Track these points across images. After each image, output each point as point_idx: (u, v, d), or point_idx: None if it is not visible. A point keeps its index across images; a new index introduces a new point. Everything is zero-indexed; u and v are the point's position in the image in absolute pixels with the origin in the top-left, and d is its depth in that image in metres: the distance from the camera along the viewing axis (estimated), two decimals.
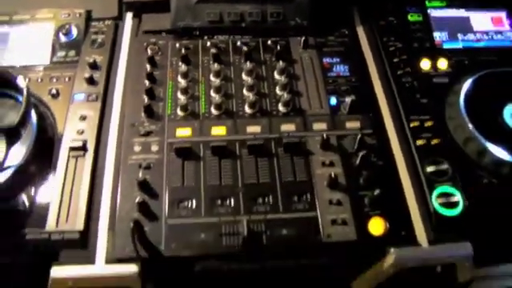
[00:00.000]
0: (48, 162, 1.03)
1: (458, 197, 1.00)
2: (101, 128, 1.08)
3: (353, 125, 1.08)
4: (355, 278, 1.05)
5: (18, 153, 1.01)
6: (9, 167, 0.99)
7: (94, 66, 1.16)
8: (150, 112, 1.08)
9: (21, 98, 1.00)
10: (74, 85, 1.14)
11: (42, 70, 1.17)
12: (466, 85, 1.11)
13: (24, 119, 0.99)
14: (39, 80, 1.15)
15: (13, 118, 0.99)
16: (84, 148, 1.04)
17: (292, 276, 1.03)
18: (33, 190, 1.00)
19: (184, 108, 1.08)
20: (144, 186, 0.97)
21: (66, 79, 1.15)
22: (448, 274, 1.01)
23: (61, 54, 1.21)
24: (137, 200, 0.95)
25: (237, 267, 0.97)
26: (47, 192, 1.00)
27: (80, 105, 1.11)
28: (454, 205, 1.00)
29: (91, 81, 1.14)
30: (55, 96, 1.12)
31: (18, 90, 1.03)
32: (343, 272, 1.03)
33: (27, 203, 0.99)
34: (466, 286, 1.05)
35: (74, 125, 1.08)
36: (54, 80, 1.15)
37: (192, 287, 1.04)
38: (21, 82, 1.02)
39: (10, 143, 0.99)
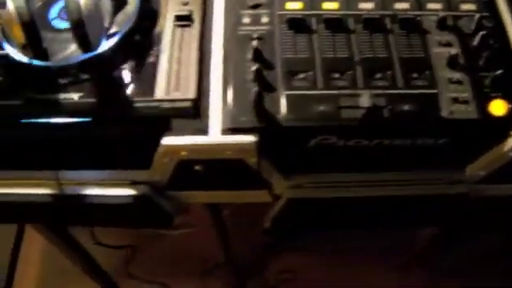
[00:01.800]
0: (152, 33, 0.98)
1: None
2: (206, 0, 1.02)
3: (468, 7, 1.02)
4: (472, 162, 1.00)
5: (122, 22, 0.96)
6: (115, 34, 0.94)
7: None
8: None
9: None
10: None
11: None
12: None
13: None
14: None
15: None
16: (190, 18, 0.99)
17: (407, 158, 0.99)
18: (138, 59, 0.95)
19: None
20: (258, 55, 0.93)
21: None
22: None
23: None
24: (253, 68, 0.90)
25: (352, 144, 0.93)
26: (154, 61, 0.95)
27: None
28: None
29: None
30: None
31: None
32: (460, 155, 0.99)
33: (133, 72, 0.94)
34: None
35: None
36: None
37: (302, 165, 1.00)
38: None
39: (117, 9, 0.95)
